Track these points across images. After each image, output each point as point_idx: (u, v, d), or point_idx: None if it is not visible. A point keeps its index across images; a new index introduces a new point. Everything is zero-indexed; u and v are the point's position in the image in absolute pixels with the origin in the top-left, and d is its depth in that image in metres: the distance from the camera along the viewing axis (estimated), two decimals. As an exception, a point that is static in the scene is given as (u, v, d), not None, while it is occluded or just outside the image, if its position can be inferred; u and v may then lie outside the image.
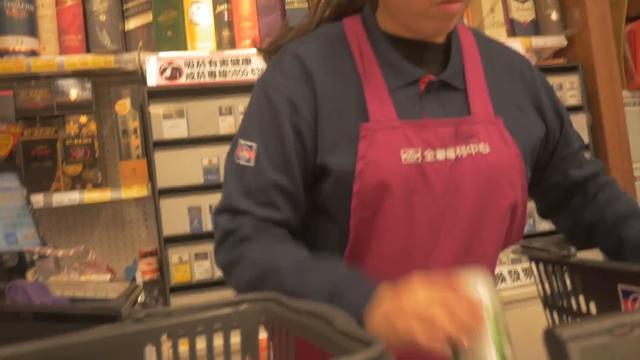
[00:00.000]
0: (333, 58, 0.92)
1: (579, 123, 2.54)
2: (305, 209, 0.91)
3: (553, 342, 0.42)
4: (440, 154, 0.87)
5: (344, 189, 0.86)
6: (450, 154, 0.87)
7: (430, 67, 0.92)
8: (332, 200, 0.90)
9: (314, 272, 0.81)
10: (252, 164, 0.88)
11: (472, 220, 0.88)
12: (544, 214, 1.13)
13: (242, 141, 0.90)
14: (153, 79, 2.13)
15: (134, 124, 2.14)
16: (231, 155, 0.92)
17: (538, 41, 2.55)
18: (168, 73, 2.16)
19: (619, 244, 0.96)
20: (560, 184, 1.05)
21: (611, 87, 2.56)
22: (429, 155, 0.86)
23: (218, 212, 0.93)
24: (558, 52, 2.69)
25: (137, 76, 2.28)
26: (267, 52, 1.02)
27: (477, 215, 0.89)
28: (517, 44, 2.44)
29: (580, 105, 2.55)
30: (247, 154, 0.89)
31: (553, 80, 2.53)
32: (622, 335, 0.42)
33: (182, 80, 2.17)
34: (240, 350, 0.77)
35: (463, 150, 0.88)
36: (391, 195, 0.84)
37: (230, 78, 2.21)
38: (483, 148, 0.89)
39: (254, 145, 0.89)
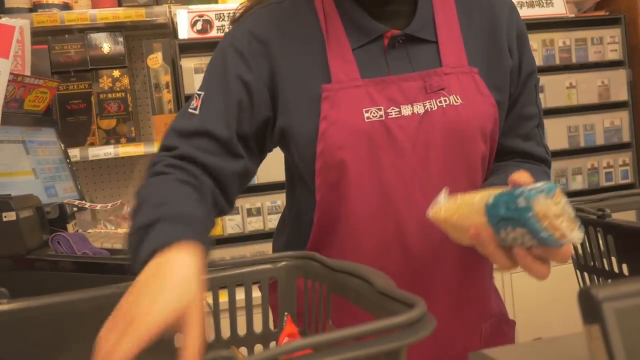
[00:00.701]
0: (296, 20, 0.91)
1: (619, 79, 2.46)
2: (246, 162, 0.89)
3: (588, 302, 0.42)
4: (406, 110, 0.86)
5: (309, 151, 0.86)
6: (418, 108, 0.86)
7: (396, 21, 0.89)
8: (300, 163, 0.90)
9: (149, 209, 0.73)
10: (197, 111, 0.88)
11: (444, 175, 0.87)
12: None
13: (197, 91, 0.91)
14: (184, 32, 2.12)
15: (165, 78, 2.15)
16: (187, 103, 0.93)
17: (579, -8, 2.45)
18: (199, 26, 2.14)
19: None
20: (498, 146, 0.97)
21: (655, 41, 2.47)
22: (392, 112, 0.85)
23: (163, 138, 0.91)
24: (600, 4, 2.58)
25: (169, 29, 2.28)
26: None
27: (450, 169, 0.88)
28: (557, -4, 2.35)
29: (621, 60, 2.47)
30: (195, 102, 0.89)
31: (593, 33, 2.44)
32: (658, 297, 0.42)
33: (213, 34, 2.16)
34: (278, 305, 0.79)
35: (433, 104, 0.86)
36: (355, 154, 0.84)
37: (261, 32, 2.18)
38: (454, 100, 0.87)
39: (202, 94, 0.89)
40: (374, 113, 0.85)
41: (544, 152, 1.00)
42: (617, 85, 2.47)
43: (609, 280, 0.92)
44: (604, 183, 2.47)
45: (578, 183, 2.46)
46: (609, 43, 2.46)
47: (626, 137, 2.49)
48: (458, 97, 0.87)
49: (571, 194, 2.35)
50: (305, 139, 0.87)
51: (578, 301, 0.43)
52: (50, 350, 0.69)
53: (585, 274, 0.96)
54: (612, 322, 0.40)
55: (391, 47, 0.88)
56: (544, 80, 2.40)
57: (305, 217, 0.94)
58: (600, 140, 2.47)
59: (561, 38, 2.41)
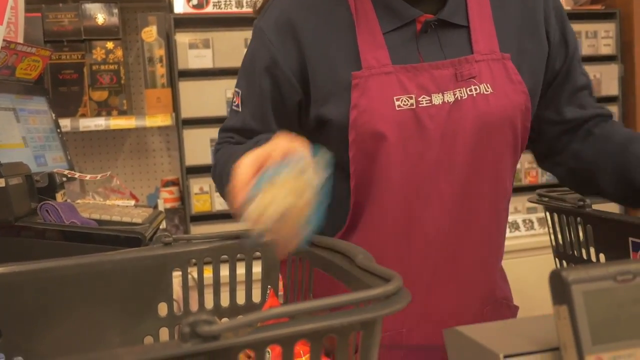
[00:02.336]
0: (324, 4, 0.89)
1: (610, 73, 2.48)
2: None
3: (558, 283, 0.43)
4: (437, 99, 0.84)
5: (341, 139, 0.86)
6: (449, 97, 0.84)
7: (428, 5, 0.87)
8: (333, 150, 0.89)
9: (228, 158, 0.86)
10: (239, 109, 0.94)
11: (469, 164, 0.87)
12: (540, 161, 1.05)
13: (235, 88, 0.96)
14: (180, 6, 2.11)
15: (159, 52, 2.14)
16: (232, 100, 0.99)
17: (576, -15, 2.45)
18: (195, 1, 2.13)
19: (625, 171, 0.87)
20: (554, 122, 0.97)
21: (648, 38, 2.48)
22: (423, 100, 0.84)
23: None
24: (596, -2, 2.59)
25: (164, 3, 2.26)
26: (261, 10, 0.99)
27: (475, 159, 0.87)
28: (555, -12, 2.36)
29: (614, 55, 2.48)
30: (236, 99, 0.94)
31: (588, 27, 2.45)
32: (624, 282, 0.43)
33: (209, 9, 2.14)
34: (260, 279, 0.81)
35: (463, 92, 0.85)
36: (386, 143, 0.83)
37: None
38: (485, 88, 0.85)
39: (240, 91, 0.94)
40: (404, 101, 0.84)
41: (601, 107, 0.99)
42: (609, 79, 2.49)
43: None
44: (590, 176, 2.50)
45: (565, 175, 2.49)
46: (603, 37, 2.47)
47: (615, 131, 2.51)
48: (489, 85, 0.86)
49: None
50: (337, 126, 0.86)
51: (549, 282, 0.44)
52: (36, 315, 0.70)
53: (564, 262, 0.99)
54: (579, 303, 0.42)
55: (423, 31, 0.86)
56: (537, 71, 2.41)
57: (332, 204, 0.95)
58: (589, 134, 2.50)
59: (556, 30, 2.42)
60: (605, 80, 2.48)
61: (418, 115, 0.84)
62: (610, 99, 2.50)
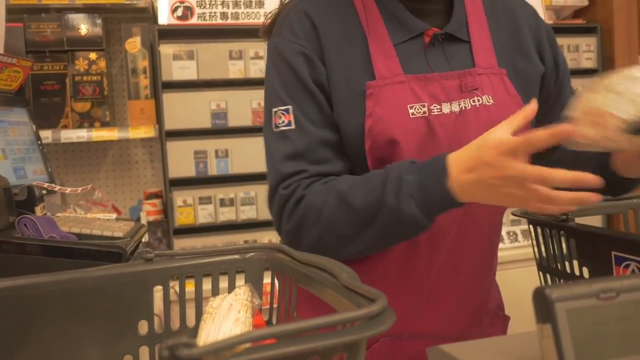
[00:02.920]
0: (336, 14, 0.91)
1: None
2: (348, 158, 0.91)
3: (541, 301, 0.43)
4: (446, 108, 0.87)
5: (357, 147, 0.87)
6: (455, 107, 0.88)
7: (433, 19, 0.91)
8: (350, 156, 0.90)
9: (371, 179, 0.82)
10: (293, 126, 0.87)
11: None
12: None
13: (275, 109, 0.89)
14: (164, 18, 2.10)
15: (143, 63, 2.13)
16: (268, 127, 0.91)
17: (558, -1, 2.49)
18: (180, 12, 2.12)
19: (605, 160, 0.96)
20: None
21: (628, 52, 2.52)
22: (435, 109, 0.87)
23: (271, 191, 0.90)
24: (578, 12, 2.63)
25: (148, 14, 2.25)
26: (270, 30, 0.99)
27: None
28: (536, 0, 2.38)
29: (595, 69, 2.52)
30: (285, 118, 0.88)
31: (570, 41, 2.48)
32: (607, 299, 0.43)
33: (194, 20, 2.14)
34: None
35: (467, 103, 0.88)
36: (402, 150, 0.85)
37: (242, 20, 2.17)
38: (487, 100, 0.89)
39: (289, 107, 0.88)
40: (418, 109, 0.86)
41: None
42: (590, 93, 2.52)
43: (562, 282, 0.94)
44: (573, 188, 2.52)
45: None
46: (584, 51, 2.51)
47: (596, 144, 2.54)
48: (490, 97, 0.89)
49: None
50: (352, 134, 0.87)
51: (533, 299, 0.44)
52: (14, 332, 0.68)
53: (548, 276, 0.99)
54: (563, 321, 0.42)
55: (431, 45, 0.90)
56: (519, 84, 2.44)
57: None
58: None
59: (538, 44, 2.45)
60: (587, 93, 2.52)
61: (430, 123, 0.86)
62: (592, 112, 2.53)
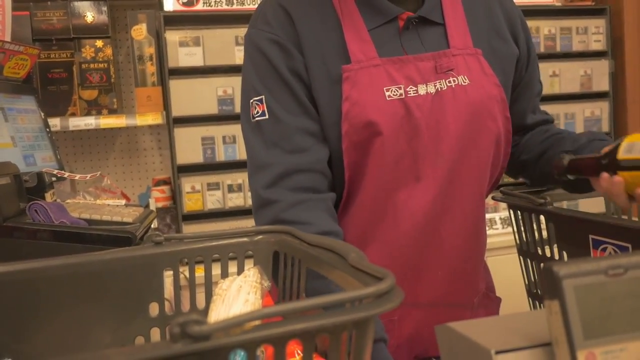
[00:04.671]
0: (310, 2, 0.92)
1: (601, 69, 2.49)
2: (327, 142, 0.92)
3: (549, 278, 0.43)
4: (422, 89, 0.88)
5: (334, 131, 0.88)
6: (431, 88, 0.89)
7: (407, 3, 0.92)
8: (328, 142, 0.91)
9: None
10: (267, 115, 0.89)
11: (454, 152, 0.90)
12: None
13: (251, 101, 0.91)
14: (170, 4, 2.10)
15: (149, 50, 2.13)
16: (246, 117, 0.92)
17: (566, -19, 2.46)
18: (185, -1, 2.12)
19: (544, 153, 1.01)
20: (514, 125, 1.02)
21: (638, 34, 2.49)
22: (411, 90, 0.88)
23: (250, 175, 0.93)
24: (586, -6, 2.60)
25: (154, 0, 2.25)
26: None
27: (459, 147, 0.91)
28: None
29: (604, 51, 2.49)
30: (259, 108, 0.90)
31: (578, 23, 2.46)
32: (616, 276, 0.44)
33: (199, 7, 2.13)
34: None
35: (443, 84, 0.89)
36: (379, 132, 0.86)
37: (248, 6, 2.16)
38: (462, 80, 0.90)
39: (262, 97, 0.89)
40: (394, 92, 0.87)
41: (546, 114, 1.11)
42: (599, 75, 2.50)
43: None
44: (581, 171, 2.51)
45: (556, 171, 2.50)
46: (593, 33, 2.48)
47: (605, 127, 2.52)
48: (465, 77, 0.91)
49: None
50: (329, 119, 0.89)
51: (541, 276, 0.44)
52: (26, 315, 0.69)
53: (528, 260, 0.99)
54: (570, 298, 0.42)
55: (405, 28, 0.91)
56: (527, 67, 2.42)
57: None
58: (580, 129, 2.51)
59: (547, 26, 2.43)
60: (596, 76, 2.49)
61: (407, 105, 0.87)
62: (601, 95, 2.51)
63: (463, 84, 0.90)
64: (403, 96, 0.87)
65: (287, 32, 0.90)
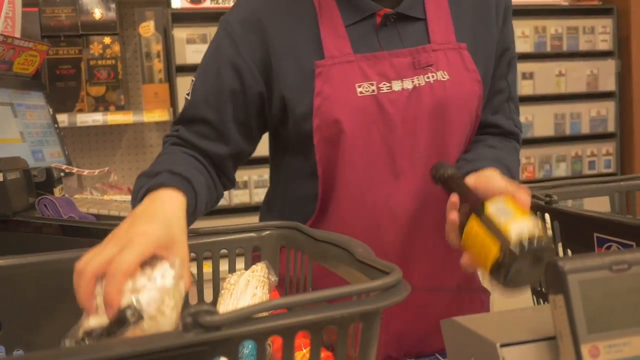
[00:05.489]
0: None
1: (608, 69, 2.49)
2: (240, 144, 0.93)
3: (554, 273, 0.44)
4: (397, 85, 0.88)
5: (306, 126, 0.89)
6: (408, 84, 0.88)
7: (387, 0, 0.92)
8: (298, 138, 0.92)
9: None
10: (190, 97, 0.94)
11: (430, 148, 0.91)
12: None
13: (192, 78, 0.96)
14: (177, 1, 2.11)
15: (157, 47, 2.14)
16: None
17: (574, -19, 2.46)
18: (192, -4, 2.13)
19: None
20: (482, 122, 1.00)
21: (645, 34, 2.49)
22: (384, 87, 0.88)
23: None
24: (593, -7, 2.60)
25: (161, -2, 2.26)
26: None
27: (436, 143, 0.91)
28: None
29: (611, 51, 2.49)
30: (190, 88, 0.95)
31: (585, 22, 2.46)
32: (620, 271, 0.44)
33: (207, 4, 2.14)
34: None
35: (421, 80, 0.89)
36: (349, 129, 0.87)
37: (255, 5, 2.17)
38: (442, 76, 0.90)
39: (195, 79, 0.94)
40: (366, 88, 0.87)
41: (512, 125, 1.02)
42: (606, 75, 2.50)
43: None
44: (586, 171, 2.51)
45: (561, 170, 2.50)
46: (600, 33, 2.48)
47: (611, 127, 2.52)
48: (445, 73, 0.90)
49: (554, 180, 2.39)
50: (301, 114, 0.89)
51: (545, 272, 0.45)
52: (36, 308, 0.70)
53: None
54: (575, 292, 0.43)
55: (383, 24, 0.91)
56: (534, 67, 2.41)
57: (297, 192, 0.97)
58: (585, 129, 2.51)
59: (554, 25, 2.43)
60: (602, 75, 2.49)
61: (379, 101, 0.87)
62: (607, 95, 2.51)
63: (442, 79, 0.90)
64: (375, 92, 0.87)
65: (248, 33, 0.91)
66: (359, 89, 0.87)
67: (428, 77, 0.89)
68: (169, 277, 0.58)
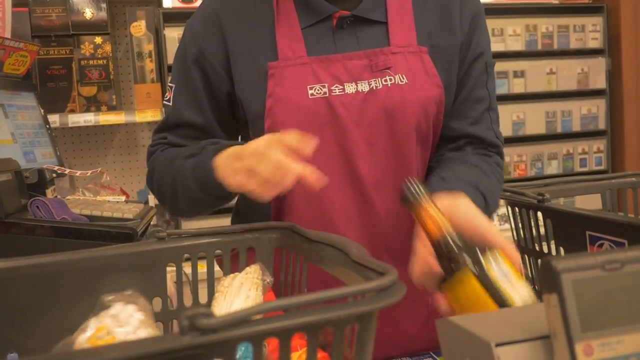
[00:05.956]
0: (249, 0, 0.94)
1: (598, 67, 2.51)
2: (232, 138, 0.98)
3: (548, 272, 0.44)
4: (350, 88, 0.88)
5: (259, 127, 0.90)
6: (363, 86, 0.88)
7: (346, 2, 0.91)
8: (254, 138, 0.90)
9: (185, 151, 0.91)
10: (170, 102, 0.96)
11: (387, 152, 0.90)
12: None
13: (169, 84, 0.98)
14: (169, 1, 2.10)
15: (148, 47, 2.13)
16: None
17: (564, -21, 2.47)
18: (184, -4, 2.12)
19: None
20: (453, 130, 0.96)
21: (635, 32, 2.50)
22: (336, 89, 0.88)
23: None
24: (584, -8, 2.62)
25: (153, -3, 2.25)
26: None
27: (393, 147, 0.90)
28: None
29: (601, 49, 2.51)
30: (168, 94, 0.97)
31: (576, 21, 2.47)
32: (612, 270, 0.44)
33: (198, 4, 2.13)
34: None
35: (378, 82, 0.88)
36: (300, 129, 0.83)
37: (247, 4, 2.17)
38: (399, 79, 0.89)
39: (173, 86, 0.96)
40: (317, 90, 0.87)
41: (494, 136, 0.97)
42: (596, 73, 2.51)
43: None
44: (578, 169, 2.53)
45: (553, 168, 2.51)
46: (590, 31, 2.49)
47: (602, 124, 2.54)
48: (404, 76, 0.89)
49: (544, 178, 2.40)
50: (255, 114, 0.90)
51: (539, 271, 0.45)
52: (30, 310, 0.70)
53: (526, 256, 1.00)
54: (569, 291, 0.43)
55: (339, 27, 0.90)
56: (525, 65, 2.43)
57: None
58: (576, 127, 2.52)
59: (544, 24, 2.44)
60: (593, 73, 2.51)
61: (331, 103, 0.88)
62: (598, 92, 2.53)
63: (400, 83, 0.89)
64: (327, 94, 0.87)
65: (210, 30, 0.93)
66: (310, 91, 0.87)
67: (386, 80, 0.89)
68: None
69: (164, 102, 0.98)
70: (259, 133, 0.88)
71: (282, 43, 0.89)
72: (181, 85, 0.95)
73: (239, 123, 0.99)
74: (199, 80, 0.94)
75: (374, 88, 0.88)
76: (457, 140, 0.97)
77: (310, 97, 0.87)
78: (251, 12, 0.93)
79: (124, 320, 0.63)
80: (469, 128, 0.96)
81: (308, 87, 0.87)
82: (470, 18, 0.95)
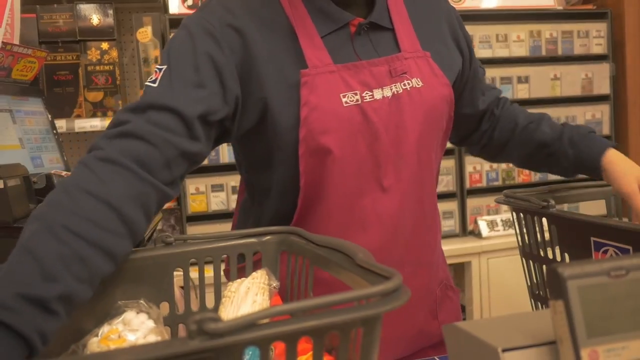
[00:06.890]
0: (261, 8, 0.90)
1: (602, 72, 2.50)
2: (202, 147, 0.82)
3: (554, 279, 0.44)
4: (378, 94, 0.90)
5: (290, 137, 0.87)
6: (387, 92, 0.90)
7: (357, 9, 0.93)
8: (279, 149, 0.90)
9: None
10: (157, 84, 0.81)
11: (413, 153, 0.93)
12: (457, 141, 1.22)
13: (157, 67, 0.84)
14: (175, 7, 2.11)
15: (154, 52, 2.14)
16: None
17: (568, -15, 2.47)
18: (190, 1, 2.13)
19: (534, 146, 1.11)
20: (471, 115, 1.13)
21: (639, 37, 2.50)
22: (367, 96, 0.89)
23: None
24: (588, -2, 2.62)
25: (159, 3, 2.26)
26: None
27: (418, 148, 0.93)
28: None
29: (605, 55, 2.50)
30: (154, 75, 0.83)
31: (580, 26, 2.47)
32: (618, 277, 0.45)
33: (204, 11, 2.15)
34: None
35: (399, 87, 0.91)
36: (337, 139, 0.87)
37: (252, 10, 2.18)
38: (416, 82, 0.93)
39: (163, 67, 0.83)
40: (350, 98, 0.88)
41: (498, 91, 1.17)
42: (600, 78, 2.51)
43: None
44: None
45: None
46: (594, 37, 2.49)
47: (606, 130, 2.53)
48: (419, 80, 0.93)
49: (548, 183, 2.40)
50: (286, 125, 0.87)
51: (546, 278, 0.46)
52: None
53: (531, 262, 1.00)
54: (574, 298, 0.44)
55: (357, 34, 0.92)
56: (529, 71, 2.43)
57: (276, 202, 0.95)
58: (581, 132, 2.52)
59: (548, 30, 2.44)
60: (597, 79, 2.51)
61: (364, 110, 0.89)
62: (602, 98, 2.53)
63: (417, 86, 0.92)
64: (359, 102, 0.88)
65: (227, 31, 0.85)
66: (343, 99, 0.87)
67: (404, 85, 0.92)
68: None
69: (147, 82, 0.83)
70: (290, 143, 0.87)
71: (308, 51, 0.88)
72: (181, 69, 0.82)
73: (227, 133, 0.89)
74: (208, 74, 0.83)
75: (396, 93, 0.91)
76: (488, 109, 1.14)
77: (344, 104, 0.87)
78: (269, 20, 0.89)
79: (136, 326, 0.63)
80: (490, 95, 1.14)
81: (340, 95, 0.87)
82: (460, 26, 1.05)
